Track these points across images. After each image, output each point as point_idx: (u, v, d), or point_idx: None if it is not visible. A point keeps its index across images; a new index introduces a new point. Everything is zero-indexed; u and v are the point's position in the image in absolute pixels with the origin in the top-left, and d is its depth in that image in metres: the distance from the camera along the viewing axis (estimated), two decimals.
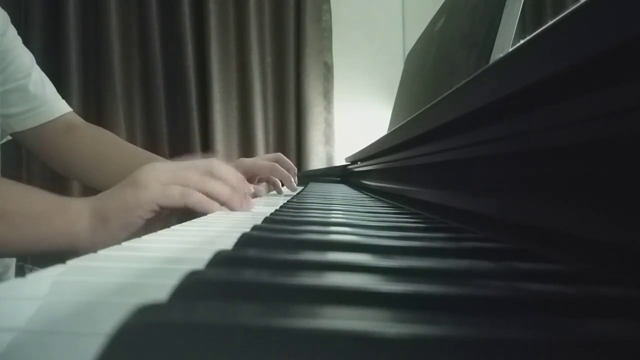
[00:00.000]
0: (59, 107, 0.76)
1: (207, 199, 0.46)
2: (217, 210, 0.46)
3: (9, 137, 0.76)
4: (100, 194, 0.46)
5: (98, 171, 0.73)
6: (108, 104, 1.57)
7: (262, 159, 0.82)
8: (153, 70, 1.64)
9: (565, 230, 0.18)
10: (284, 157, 0.81)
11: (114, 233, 0.43)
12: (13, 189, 0.46)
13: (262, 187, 0.82)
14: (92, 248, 0.43)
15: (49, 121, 0.74)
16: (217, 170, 0.48)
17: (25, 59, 0.72)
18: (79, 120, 0.79)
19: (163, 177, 0.45)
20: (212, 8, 1.66)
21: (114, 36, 1.59)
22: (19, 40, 0.73)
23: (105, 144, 0.76)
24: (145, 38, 1.63)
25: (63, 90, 0.82)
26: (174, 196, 0.44)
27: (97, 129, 0.79)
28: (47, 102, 0.74)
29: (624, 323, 0.11)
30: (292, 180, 0.78)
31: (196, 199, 0.45)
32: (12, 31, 0.71)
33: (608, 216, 0.16)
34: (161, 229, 0.31)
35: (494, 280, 0.17)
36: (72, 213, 0.44)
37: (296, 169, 0.80)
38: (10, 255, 0.64)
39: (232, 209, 0.48)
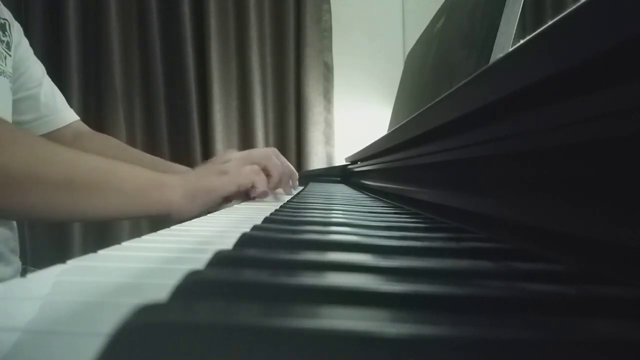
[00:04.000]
0: (67, 115, 0.80)
1: (265, 180, 0.60)
2: (267, 189, 0.61)
3: None
4: (189, 175, 0.58)
5: None
6: (108, 104, 1.57)
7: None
8: (153, 70, 1.64)
9: (565, 230, 0.18)
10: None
11: (199, 208, 0.55)
12: (119, 165, 0.54)
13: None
14: (181, 216, 0.53)
15: (58, 129, 0.78)
16: (274, 160, 0.65)
17: (36, 69, 0.77)
18: (86, 128, 0.84)
19: (237, 163, 0.59)
20: (212, 8, 1.66)
21: (114, 36, 1.59)
22: (31, 51, 0.77)
23: (112, 150, 0.80)
24: (145, 38, 1.63)
25: (63, 90, 0.83)
26: (245, 175, 0.58)
27: (103, 136, 0.84)
28: (56, 111, 0.78)
29: (624, 323, 0.11)
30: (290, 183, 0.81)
31: (260, 177, 0.59)
32: (25, 42, 0.76)
33: (608, 216, 0.16)
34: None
35: (494, 280, 0.17)
36: (169, 188, 0.53)
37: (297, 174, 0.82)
38: (120, 219, 0.74)
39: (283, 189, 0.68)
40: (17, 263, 0.70)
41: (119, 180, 0.51)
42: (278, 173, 0.66)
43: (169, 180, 0.54)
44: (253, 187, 0.59)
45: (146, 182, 0.53)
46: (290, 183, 0.73)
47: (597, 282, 0.16)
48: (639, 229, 0.14)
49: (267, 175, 0.63)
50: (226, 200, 0.58)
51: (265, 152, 0.65)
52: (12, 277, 0.68)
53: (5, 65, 0.68)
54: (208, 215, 0.44)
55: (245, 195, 0.61)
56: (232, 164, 0.59)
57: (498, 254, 0.23)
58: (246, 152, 0.65)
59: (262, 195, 0.62)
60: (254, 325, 0.10)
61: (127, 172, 0.53)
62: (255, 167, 0.60)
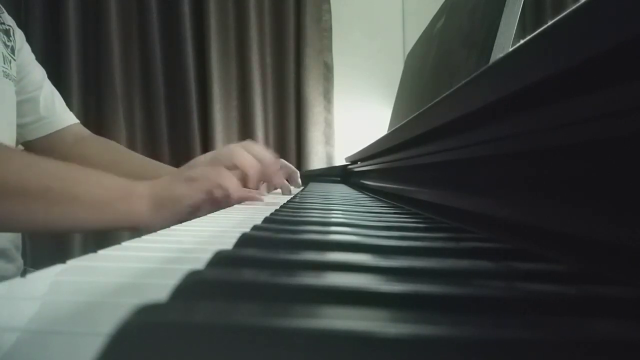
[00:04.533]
0: (66, 118, 0.81)
1: (236, 182, 0.54)
2: (235, 192, 0.54)
3: (21, 148, 0.80)
4: (159, 182, 0.54)
5: None
6: (108, 104, 1.57)
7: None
8: (153, 70, 1.64)
9: (565, 230, 0.18)
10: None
11: (167, 218, 0.51)
12: (86, 174, 0.52)
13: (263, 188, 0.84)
14: (150, 227, 0.49)
15: (57, 131, 0.79)
16: (239, 152, 0.59)
17: (37, 73, 0.79)
18: (86, 131, 0.84)
19: (203, 168, 0.54)
20: (212, 8, 1.66)
21: (114, 36, 1.59)
22: (32, 56, 0.79)
23: (112, 153, 0.80)
24: (145, 38, 1.63)
25: (63, 90, 0.84)
26: (209, 179, 0.53)
27: (103, 139, 0.85)
28: (55, 113, 0.79)
29: (624, 323, 0.11)
30: (286, 183, 0.80)
31: (229, 180, 0.53)
32: (27, 48, 0.78)
33: (608, 216, 0.16)
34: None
35: (494, 280, 0.17)
36: (136, 198, 0.51)
37: (298, 173, 0.82)
38: (83, 232, 0.73)
39: (264, 178, 0.61)
40: (20, 261, 0.71)
41: (84, 190, 0.49)
42: (253, 168, 0.60)
43: (138, 190, 0.52)
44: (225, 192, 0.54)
45: (113, 192, 0.51)
46: (281, 175, 0.68)
47: (597, 282, 0.16)
48: (639, 229, 0.14)
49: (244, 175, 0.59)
50: (195, 210, 0.53)
51: (231, 150, 0.60)
52: (15, 274, 0.69)
53: (11, 69, 0.70)
54: (208, 215, 0.44)
55: (218, 203, 0.54)
56: (200, 169, 0.55)
57: (498, 254, 0.23)
58: (212, 153, 0.60)
59: (241, 200, 0.55)
60: (254, 325, 0.10)
61: (95, 182, 0.51)
62: (222, 169, 0.55)
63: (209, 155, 0.61)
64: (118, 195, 0.50)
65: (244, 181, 0.59)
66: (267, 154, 0.65)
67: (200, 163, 0.57)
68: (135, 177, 0.62)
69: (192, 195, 0.52)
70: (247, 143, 0.63)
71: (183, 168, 0.59)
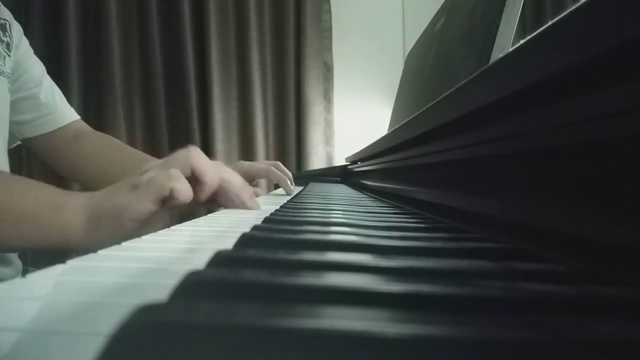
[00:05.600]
0: (68, 114, 0.80)
1: (188, 186, 0.44)
2: (190, 197, 0.44)
3: (19, 142, 0.80)
4: (99, 193, 0.45)
5: (106, 176, 0.75)
6: (108, 104, 1.57)
7: (260, 163, 0.86)
8: (153, 70, 1.64)
9: (565, 230, 0.18)
10: (281, 164, 0.83)
11: (107, 234, 0.42)
12: (15, 184, 0.47)
13: (261, 188, 0.84)
14: (86, 246, 0.41)
15: (59, 128, 0.78)
16: (198, 155, 0.47)
17: (36, 69, 0.77)
18: (86, 127, 0.83)
19: (152, 172, 0.44)
20: (212, 8, 1.66)
21: (114, 36, 1.59)
22: (31, 51, 0.77)
23: (112, 150, 0.79)
24: (145, 38, 1.63)
25: (63, 90, 0.84)
26: (158, 184, 0.42)
27: (103, 135, 0.84)
28: (56, 110, 0.78)
29: (624, 323, 0.11)
30: (288, 182, 0.80)
31: (180, 182, 0.43)
32: (25, 43, 0.76)
33: (608, 216, 0.16)
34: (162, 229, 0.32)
35: (494, 280, 0.17)
36: (68, 211, 0.43)
37: (291, 175, 0.82)
38: (8, 251, 0.65)
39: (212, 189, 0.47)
40: (18, 263, 0.70)
41: (15, 203, 0.44)
42: (212, 175, 0.47)
43: (71, 202, 0.44)
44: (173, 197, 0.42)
45: (42, 203, 0.44)
46: (253, 189, 0.54)
47: (597, 282, 0.16)
48: (639, 229, 0.14)
49: (198, 181, 0.46)
50: (144, 223, 0.43)
51: (188, 152, 0.47)
52: (13, 277, 0.68)
53: (5, 65, 0.68)
54: (208, 215, 0.44)
55: (172, 211, 0.45)
56: (146, 175, 0.44)
57: (498, 254, 0.23)
58: (167, 157, 0.48)
59: (190, 206, 0.46)
60: (254, 325, 0.10)
61: (27, 193, 0.45)
62: (173, 171, 0.43)
63: (163, 159, 0.49)
64: (47, 207, 0.43)
65: (196, 191, 0.46)
66: (235, 176, 0.52)
67: (151, 166, 0.47)
68: (134, 174, 0.56)
69: (135, 206, 0.42)
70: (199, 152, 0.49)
71: (138, 169, 0.47)
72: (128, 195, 0.43)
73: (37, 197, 0.45)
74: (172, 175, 0.43)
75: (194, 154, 0.47)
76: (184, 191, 0.43)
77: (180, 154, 0.48)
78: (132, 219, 0.42)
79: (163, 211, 0.44)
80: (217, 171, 0.48)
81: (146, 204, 0.42)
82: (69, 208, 0.44)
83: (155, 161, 0.50)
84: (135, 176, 0.45)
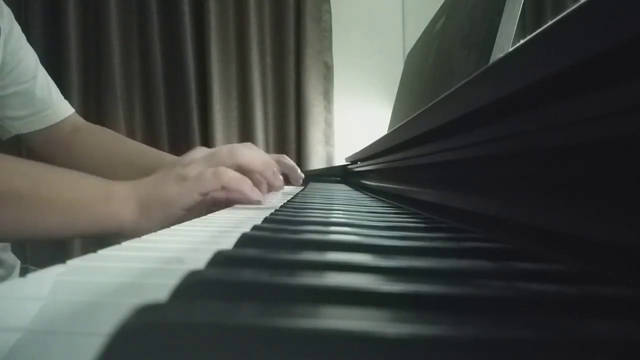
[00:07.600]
0: (64, 109, 0.77)
1: (240, 176, 0.49)
2: (249, 191, 0.49)
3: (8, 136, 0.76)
4: (142, 182, 0.48)
5: (105, 168, 0.73)
6: (108, 104, 1.57)
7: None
8: (153, 70, 1.64)
9: (565, 230, 0.18)
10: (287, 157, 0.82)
11: (157, 221, 0.46)
12: (61, 176, 0.47)
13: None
14: (136, 232, 0.44)
15: (55, 123, 0.75)
16: (243, 150, 0.52)
17: (30, 60, 0.72)
18: (81, 120, 0.80)
19: (198, 166, 0.49)
20: (212, 8, 1.66)
21: (114, 36, 1.60)
22: (23, 38, 0.72)
23: (110, 142, 0.77)
24: (145, 38, 1.63)
25: (63, 90, 0.82)
26: (208, 179, 0.47)
27: (100, 128, 0.81)
28: (52, 105, 0.74)
29: (624, 323, 0.11)
30: (298, 171, 0.79)
31: (229, 176, 0.48)
32: (17, 29, 0.71)
33: (608, 216, 0.16)
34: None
35: (494, 280, 0.17)
36: (118, 200, 0.46)
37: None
38: (59, 239, 0.69)
39: (266, 178, 0.55)
40: (10, 261, 0.68)
41: (57, 193, 0.45)
42: (261, 167, 0.53)
43: (119, 191, 0.47)
44: (225, 193, 0.48)
45: (89, 194, 0.46)
46: (278, 175, 0.61)
47: (597, 282, 0.16)
48: (639, 229, 0.14)
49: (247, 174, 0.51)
50: (187, 213, 0.48)
51: (234, 148, 0.52)
52: (4, 277, 0.66)
53: None
54: (208, 215, 0.44)
55: (212, 204, 0.51)
56: (192, 167, 0.48)
57: (498, 254, 0.23)
58: (211, 150, 0.53)
59: (250, 201, 0.50)
60: (254, 325, 0.10)
61: (69, 183, 0.46)
62: (223, 169, 0.48)
63: (205, 151, 0.53)
64: (95, 197, 0.46)
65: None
66: (268, 157, 0.59)
67: (195, 160, 0.50)
68: (133, 165, 0.57)
69: (185, 197, 0.46)
70: (248, 144, 0.58)
71: (179, 161, 0.52)
72: (178, 186, 0.47)
73: (84, 187, 0.47)
74: (227, 173, 0.48)
75: (241, 151, 0.52)
76: (247, 187, 0.49)
77: (226, 148, 0.53)
78: (182, 209, 0.47)
79: (204, 204, 0.49)
80: (265, 164, 0.54)
81: (193, 197, 0.47)
82: (118, 197, 0.46)
83: (197, 152, 0.54)
84: (178, 167, 0.49)
